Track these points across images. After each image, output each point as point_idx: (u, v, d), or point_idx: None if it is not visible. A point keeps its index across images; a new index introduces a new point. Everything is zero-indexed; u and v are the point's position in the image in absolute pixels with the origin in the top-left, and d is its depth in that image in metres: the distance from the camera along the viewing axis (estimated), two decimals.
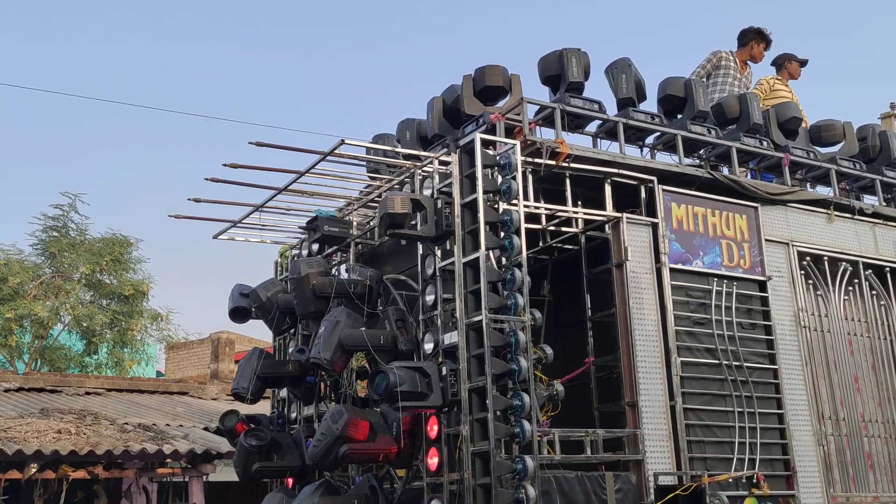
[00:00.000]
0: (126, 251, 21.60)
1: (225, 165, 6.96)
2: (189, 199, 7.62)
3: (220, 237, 8.44)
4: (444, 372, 6.07)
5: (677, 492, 6.34)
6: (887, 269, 8.59)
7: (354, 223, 7.87)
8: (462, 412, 5.99)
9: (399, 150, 7.51)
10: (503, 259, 6.32)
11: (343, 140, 6.56)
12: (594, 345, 7.43)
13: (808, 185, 8.94)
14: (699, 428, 6.95)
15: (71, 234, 21.31)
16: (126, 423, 11.53)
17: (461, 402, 5.98)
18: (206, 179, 7.23)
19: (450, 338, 6.26)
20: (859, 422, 7.93)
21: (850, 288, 8.35)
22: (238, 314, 8.04)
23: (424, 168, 6.98)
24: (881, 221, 8.72)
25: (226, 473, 11.49)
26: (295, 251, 8.46)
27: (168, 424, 12.01)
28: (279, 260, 8.84)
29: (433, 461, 6.16)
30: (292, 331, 8.09)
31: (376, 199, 7.71)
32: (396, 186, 7.26)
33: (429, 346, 6.42)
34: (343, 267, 7.96)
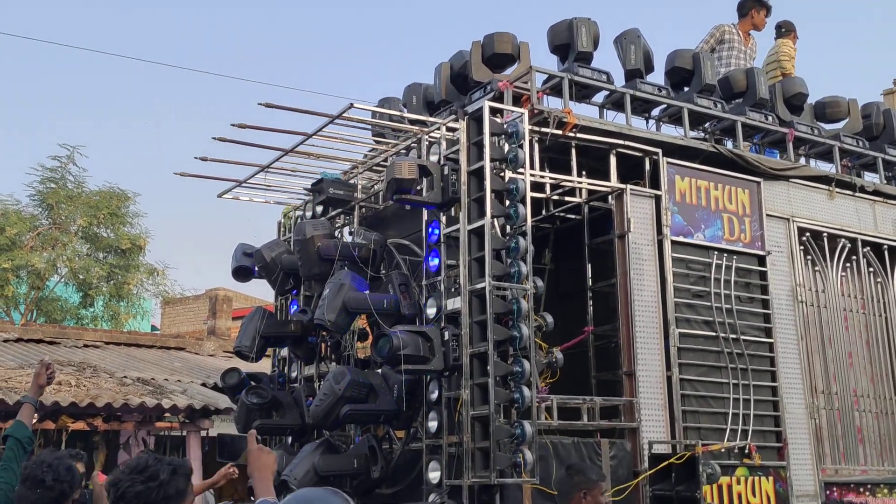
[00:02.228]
0: (124, 205, 21.61)
1: (233, 125, 6.97)
2: (195, 158, 7.63)
3: (224, 196, 8.46)
4: (446, 337, 6.15)
5: (671, 460, 6.46)
6: (885, 246, 8.67)
7: (359, 186, 7.90)
8: (463, 377, 6.08)
9: (406, 115, 7.52)
10: (507, 227, 6.37)
11: (352, 104, 6.57)
12: (593, 314, 7.51)
13: (811, 161, 8.98)
14: (694, 398, 7.06)
15: (69, 186, 21.28)
16: (125, 377, 11.64)
17: (462, 366, 6.07)
18: (214, 139, 7.25)
19: (452, 303, 6.33)
20: (851, 397, 8.06)
21: (848, 265, 8.44)
22: (241, 273, 8.09)
23: (431, 134, 7.00)
24: (881, 199, 8.78)
25: (223, 429, 11.63)
26: (298, 213, 8.49)
27: (166, 379, 12.13)
28: (282, 221, 8.87)
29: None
30: (295, 291, 8.14)
31: (382, 163, 7.73)
32: (403, 151, 7.28)
33: (431, 311, 6.49)
34: (347, 230, 8.00)
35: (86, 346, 14.07)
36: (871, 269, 8.60)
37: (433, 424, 6.30)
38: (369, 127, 7.93)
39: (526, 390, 5.99)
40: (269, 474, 3.33)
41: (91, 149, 60.73)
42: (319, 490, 2.52)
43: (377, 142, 7.99)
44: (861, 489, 7.73)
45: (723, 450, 6.92)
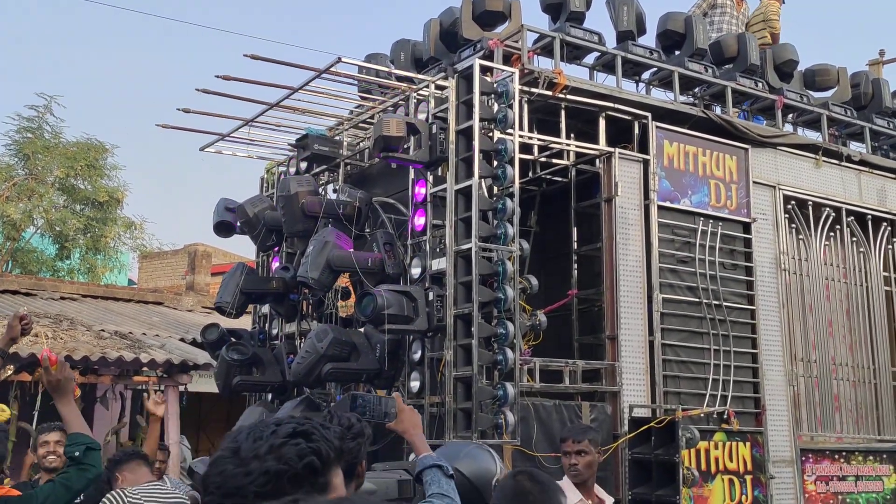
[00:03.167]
0: (101, 157, 21.29)
1: (217, 77, 6.82)
2: (178, 110, 7.48)
3: (207, 150, 8.32)
4: (430, 297, 6.13)
5: (651, 424, 6.49)
6: (869, 216, 8.69)
7: (345, 143, 7.79)
8: (446, 337, 6.06)
9: (394, 71, 7.40)
10: (495, 188, 6.31)
11: (340, 58, 6.45)
12: (578, 278, 7.49)
13: (798, 129, 8.96)
14: (675, 363, 7.09)
15: (46, 136, 20.94)
16: (102, 330, 11.53)
17: (446, 327, 6.05)
18: (197, 90, 7.09)
19: (437, 264, 6.29)
20: (830, 365, 8.12)
21: (832, 233, 8.45)
22: (223, 228, 7.99)
23: (419, 92, 6.90)
24: (867, 169, 8.78)
25: (201, 384, 11.59)
26: (282, 169, 8.38)
27: (144, 333, 12.03)
28: (265, 176, 8.76)
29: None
30: (277, 248, 8.06)
31: (368, 120, 7.62)
32: (390, 109, 7.18)
33: (416, 271, 6.44)
34: (331, 187, 7.91)
35: (62, 298, 13.92)
36: (854, 239, 8.62)
37: (415, 384, 6.29)
38: (356, 83, 7.80)
39: (509, 352, 5.99)
40: (421, 431, 3.50)
41: (69, 99, 59.78)
42: (469, 444, 2.57)
43: (364, 98, 7.87)
44: (836, 456, 7.82)
45: (702, 415, 6.97)
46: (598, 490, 4.82)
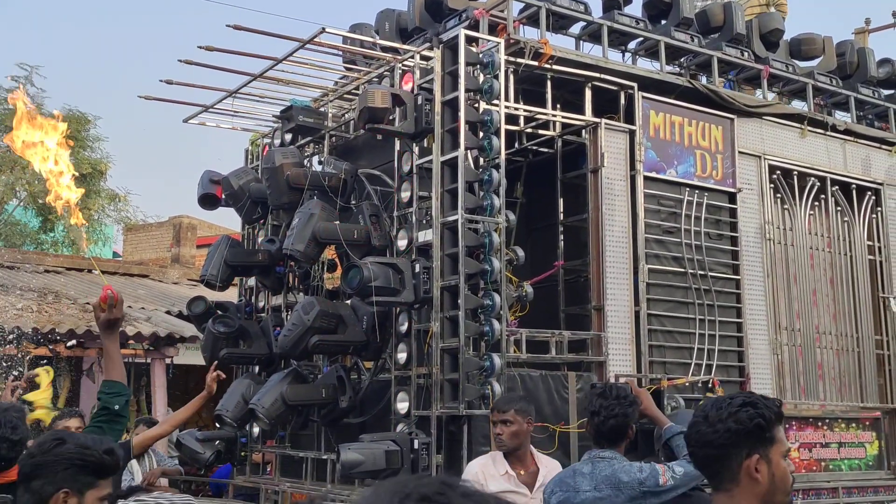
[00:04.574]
0: (84, 129, 21.11)
1: (200, 48, 6.75)
2: (160, 81, 7.41)
3: (190, 121, 8.25)
4: (416, 269, 6.12)
5: None
6: (853, 186, 8.72)
7: (329, 115, 7.74)
8: (433, 309, 6.07)
9: (379, 42, 7.33)
10: (481, 159, 6.30)
11: (324, 28, 6.39)
12: (564, 249, 7.50)
13: (784, 98, 8.96)
14: (661, 333, 7.13)
15: (27, 107, 20.70)
16: (87, 303, 11.50)
17: (433, 299, 6.06)
18: (180, 61, 7.03)
19: (424, 236, 6.29)
20: (814, 334, 8.18)
21: (817, 203, 8.48)
22: (207, 201, 7.94)
23: (405, 62, 6.85)
24: (852, 139, 8.80)
25: (188, 357, 11.60)
26: (266, 140, 8.33)
27: (130, 306, 12.00)
28: (250, 148, 8.70)
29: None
30: (262, 220, 8.03)
31: (353, 91, 7.57)
32: (375, 80, 7.13)
33: (402, 243, 6.44)
34: (316, 159, 7.87)
35: (46, 271, 13.86)
36: (839, 209, 8.66)
37: (402, 356, 6.31)
38: (341, 54, 7.74)
39: (496, 323, 6.01)
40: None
41: (50, 69, 59.03)
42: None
43: (348, 69, 7.81)
44: (819, 423, 7.91)
45: (687, 383, 7.02)
46: (542, 459, 4.83)
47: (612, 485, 3.70)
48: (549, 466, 4.80)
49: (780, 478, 2.29)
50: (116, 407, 3.58)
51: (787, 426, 7.60)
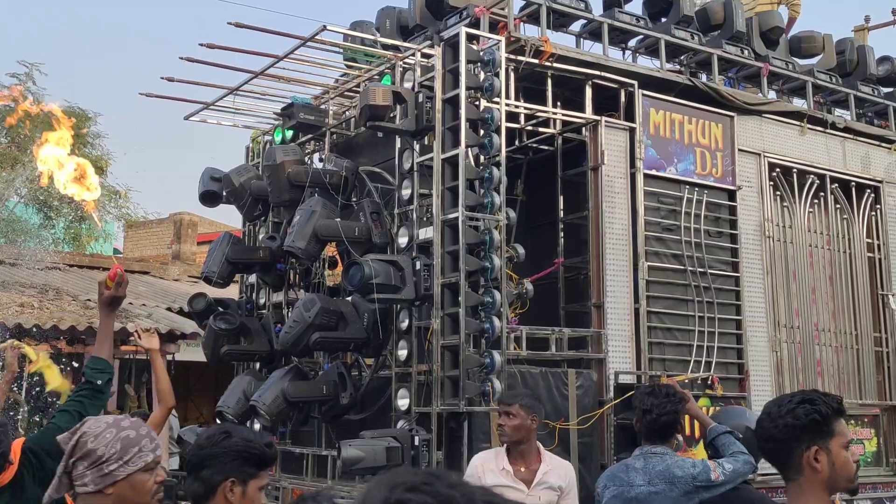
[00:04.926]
0: (85, 125, 21.11)
1: (201, 45, 6.77)
2: (162, 78, 7.42)
3: (191, 119, 8.27)
4: (417, 266, 6.15)
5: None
6: (853, 183, 8.74)
7: (330, 112, 7.76)
8: (433, 306, 6.10)
9: (379, 39, 7.35)
10: (481, 157, 6.32)
11: (325, 26, 6.40)
12: (564, 246, 7.52)
13: (784, 96, 8.98)
14: (660, 330, 7.15)
15: (27, 105, 20.71)
16: (88, 300, 11.53)
17: (433, 296, 6.08)
18: (181, 58, 7.04)
19: (424, 233, 6.31)
20: (813, 331, 8.21)
21: (816, 201, 8.50)
22: (208, 198, 7.97)
23: (405, 60, 6.86)
24: (851, 136, 8.82)
25: (189, 353, 11.63)
26: (267, 138, 8.35)
27: (131, 303, 12.04)
28: (251, 146, 8.72)
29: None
30: (263, 218, 8.05)
31: (354, 88, 7.58)
32: (376, 77, 7.14)
33: (403, 241, 6.46)
34: (317, 156, 7.89)
35: (47, 268, 13.88)
36: (838, 206, 8.68)
37: (403, 353, 6.33)
38: (341, 51, 7.76)
39: (496, 320, 6.03)
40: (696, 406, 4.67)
41: (51, 67, 59.05)
42: (744, 409, 3.49)
43: (349, 67, 7.83)
44: None
45: (686, 380, 7.04)
46: (549, 458, 4.82)
47: (666, 479, 3.87)
48: (552, 464, 4.79)
49: (841, 466, 2.47)
50: (100, 382, 3.67)
51: None
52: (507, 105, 6.53)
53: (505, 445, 4.81)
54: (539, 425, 4.96)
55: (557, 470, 4.72)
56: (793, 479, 2.50)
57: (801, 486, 2.48)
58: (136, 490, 2.48)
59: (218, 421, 7.42)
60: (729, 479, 3.91)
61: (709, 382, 7.25)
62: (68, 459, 2.47)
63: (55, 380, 5.74)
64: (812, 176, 8.44)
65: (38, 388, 10.53)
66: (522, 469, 4.72)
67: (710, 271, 7.42)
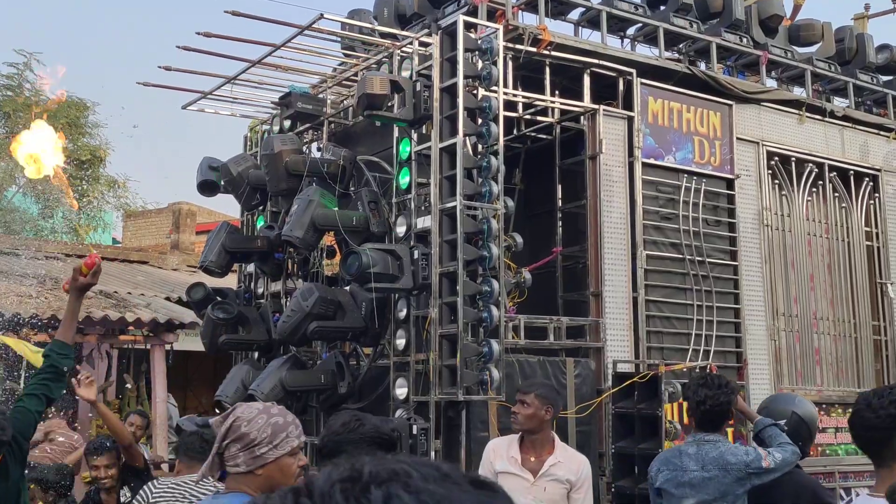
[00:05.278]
0: (83, 115, 21.07)
1: (198, 34, 6.74)
2: (159, 67, 7.40)
3: (189, 108, 8.25)
4: (415, 255, 6.14)
5: (634, 379, 6.56)
6: (851, 172, 8.73)
7: (328, 101, 7.74)
8: (431, 295, 6.09)
9: (377, 27, 7.32)
10: (479, 146, 6.31)
11: (322, 14, 6.38)
12: (562, 235, 7.52)
13: (783, 84, 8.96)
14: (659, 319, 7.16)
15: (26, 94, 20.68)
16: None
17: (431, 285, 6.08)
18: (178, 48, 7.02)
19: (423, 222, 6.30)
20: (811, 319, 8.22)
21: (814, 189, 8.50)
22: (206, 187, 7.95)
23: (403, 48, 6.84)
24: (850, 124, 8.80)
25: (188, 343, 11.62)
26: (266, 127, 8.32)
27: (129, 293, 12.02)
28: (249, 135, 8.69)
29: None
30: (262, 207, 8.04)
31: (352, 77, 7.56)
32: (374, 66, 7.12)
33: (401, 230, 6.45)
34: (315, 145, 7.87)
35: (46, 258, 13.85)
36: (837, 195, 8.68)
37: (401, 342, 6.33)
38: (339, 40, 7.73)
39: (494, 310, 6.02)
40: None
41: (48, 56, 58.81)
42: (791, 395, 3.56)
43: (347, 55, 7.80)
44: (816, 408, 7.94)
45: (684, 369, 7.04)
46: (563, 449, 4.79)
47: (720, 466, 4.02)
48: (564, 457, 4.72)
49: None
50: (65, 368, 3.75)
51: None
52: (505, 94, 6.51)
53: (519, 433, 4.80)
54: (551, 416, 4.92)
55: (569, 463, 4.68)
56: (888, 465, 2.68)
57: (893, 471, 2.66)
58: (283, 472, 2.61)
59: (217, 410, 7.42)
60: (778, 468, 4.06)
61: (707, 371, 7.25)
62: (221, 441, 2.60)
63: (38, 362, 5.77)
64: (810, 164, 8.43)
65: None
66: (532, 458, 4.70)
67: (708, 260, 7.42)
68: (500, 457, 4.74)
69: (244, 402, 6.97)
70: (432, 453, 5.93)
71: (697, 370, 7.23)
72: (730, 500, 4.04)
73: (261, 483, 2.58)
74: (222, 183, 7.78)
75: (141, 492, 3.84)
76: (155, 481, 4.20)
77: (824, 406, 8.03)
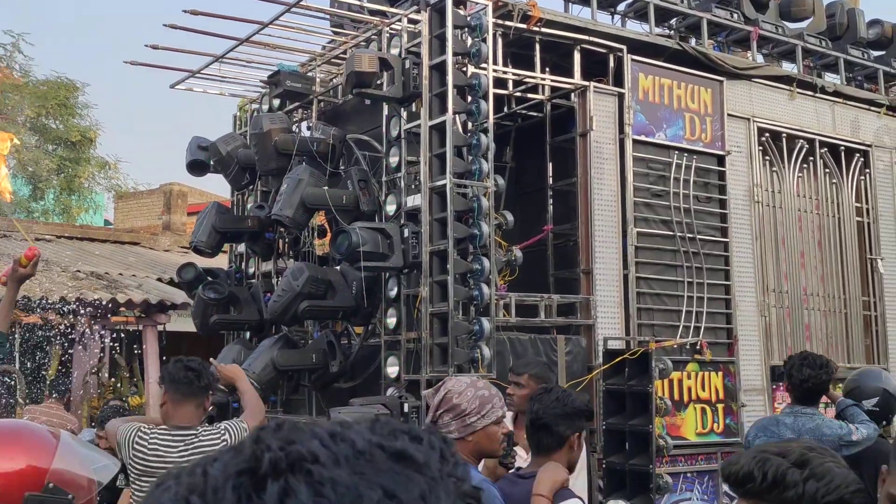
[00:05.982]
0: (73, 96, 20.94)
1: (185, 12, 6.68)
2: (146, 46, 7.34)
3: (177, 87, 8.19)
4: (405, 234, 6.13)
5: (625, 356, 6.58)
6: (842, 147, 8.73)
7: (317, 80, 7.69)
8: (422, 274, 6.09)
9: (366, 5, 7.27)
10: (469, 124, 6.29)
11: None
12: (553, 213, 7.52)
13: (774, 60, 8.93)
14: (649, 296, 7.17)
15: (15, 75, 20.53)
16: (78, 271, 11.49)
17: (421, 264, 6.07)
18: (165, 25, 6.96)
19: (412, 200, 6.29)
20: (801, 295, 8.24)
21: (805, 165, 8.50)
22: (196, 167, 7.91)
23: (392, 26, 6.80)
24: (841, 100, 8.79)
25: (180, 324, 11.61)
26: (255, 106, 8.28)
27: (121, 274, 12.00)
28: (238, 114, 8.65)
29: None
30: (251, 186, 8.01)
31: (341, 55, 7.52)
32: (363, 43, 7.08)
33: (391, 208, 6.44)
34: (305, 124, 7.83)
35: (37, 239, 13.80)
36: (827, 171, 8.68)
37: (392, 321, 6.34)
38: (328, 17, 7.68)
39: (485, 288, 6.03)
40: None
41: (36, 37, 58.42)
42: (879, 369, 3.71)
43: (336, 33, 7.75)
44: None
45: (675, 346, 7.08)
46: None
47: (816, 436, 4.37)
48: None
49: None
50: (1, 357, 3.82)
51: (774, 387, 7.68)
52: (494, 71, 6.48)
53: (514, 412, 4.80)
54: None
55: None
56: None
57: None
58: (490, 438, 2.99)
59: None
60: (863, 441, 4.48)
61: (697, 347, 7.28)
62: (434, 412, 2.98)
63: None
64: (801, 140, 8.43)
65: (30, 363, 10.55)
66: (525, 437, 4.72)
67: (698, 237, 7.43)
68: None
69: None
70: None
71: (688, 346, 7.28)
72: None
73: (471, 448, 2.94)
74: (212, 163, 7.75)
75: (137, 437, 3.67)
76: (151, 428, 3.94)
77: None
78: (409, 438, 0.70)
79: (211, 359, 4.61)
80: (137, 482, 3.73)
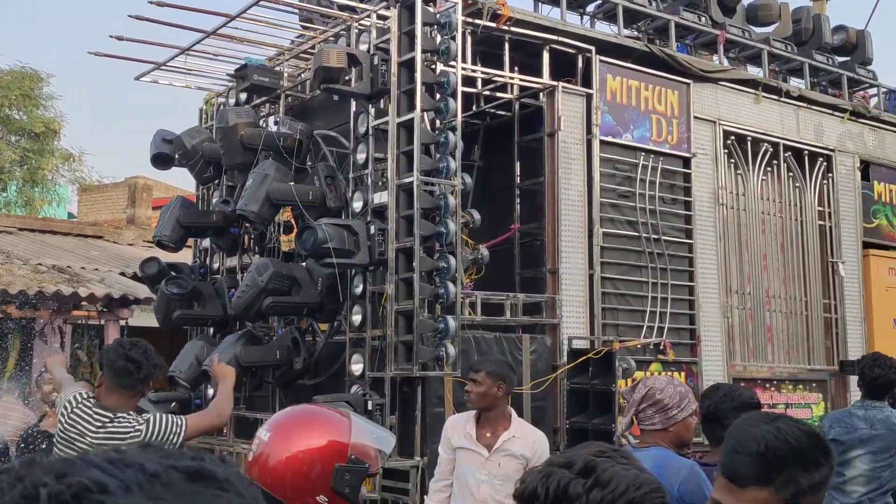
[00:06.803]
0: (37, 86, 20.61)
1: (151, 2, 6.60)
2: (111, 37, 7.24)
3: (143, 79, 8.09)
4: (372, 231, 6.11)
5: (589, 355, 6.62)
6: (806, 152, 8.84)
7: (285, 74, 7.64)
8: (388, 271, 6.07)
9: (335, 0, 7.23)
10: (437, 121, 6.27)
11: None
12: (520, 212, 7.53)
13: (740, 64, 9.02)
14: (614, 296, 7.21)
15: None
16: (40, 264, 11.32)
17: (388, 261, 6.05)
18: (130, 16, 6.87)
19: (379, 197, 6.27)
20: (763, 297, 8.33)
21: (769, 169, 8.59)
22: (160, 160, 7.82)
23: (361, 21, 6.77)
24: (805, 105, 8.90)
25: (143, 319, 11.48)
26: (221, 100, 8.20)
27: (83, 267, 11.83)
28: (204, 108, 8.56)
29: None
30: (217, 181, 7.93)
31: (309, 50, 7.47)
32: (331, 39, 7.04)
33: (358, 205, 6.41)
34: (272, 119, 7.76)
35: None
36: (791, 174, 8.78)
37: (357, 318, 6.31)
38: (297, 11, 7.62)
39: (451, 286, 6.02)
40: None
41: (1, 28, 57.44)
42: None
43: (304, 28, 7.69)
44: (767, 385, 8.09)
45: (638, 346, 7.12)
46: (518, 425, 4.79)
47: (887, 426, 4.87)
48: (520, 433, 4.69)
49: None
50: None
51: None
52: (463, 69, 6.48)
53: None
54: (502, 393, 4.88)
55: (525, 440, 4.67)
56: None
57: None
58: (688, 428, 3.31)
59: (171, 386, 7.34)
60: None
61: (661, 348, 7.34)
62: (637, 405, 3.31)
63: None
64: (766, 144, 8.52)
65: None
66: (488, 434, 4.70)
67: (663, 238, 7.48)
68: (457, 433, 4.75)
69: (195, 378, 6.86)
70: (388, 429, 5.93)
71: (651, 346, 7.33)
72: (892, 453, 4.91)
73: (671, 437, 3.26)
74: (177, 156, 7.66)
75: (67, 402, 3.58)
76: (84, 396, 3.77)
77: (775, 382, 8.17)
78: (201, 458, 0.65)
79: (214, 354, 4.49)
80: (58, 445, 3.64)
